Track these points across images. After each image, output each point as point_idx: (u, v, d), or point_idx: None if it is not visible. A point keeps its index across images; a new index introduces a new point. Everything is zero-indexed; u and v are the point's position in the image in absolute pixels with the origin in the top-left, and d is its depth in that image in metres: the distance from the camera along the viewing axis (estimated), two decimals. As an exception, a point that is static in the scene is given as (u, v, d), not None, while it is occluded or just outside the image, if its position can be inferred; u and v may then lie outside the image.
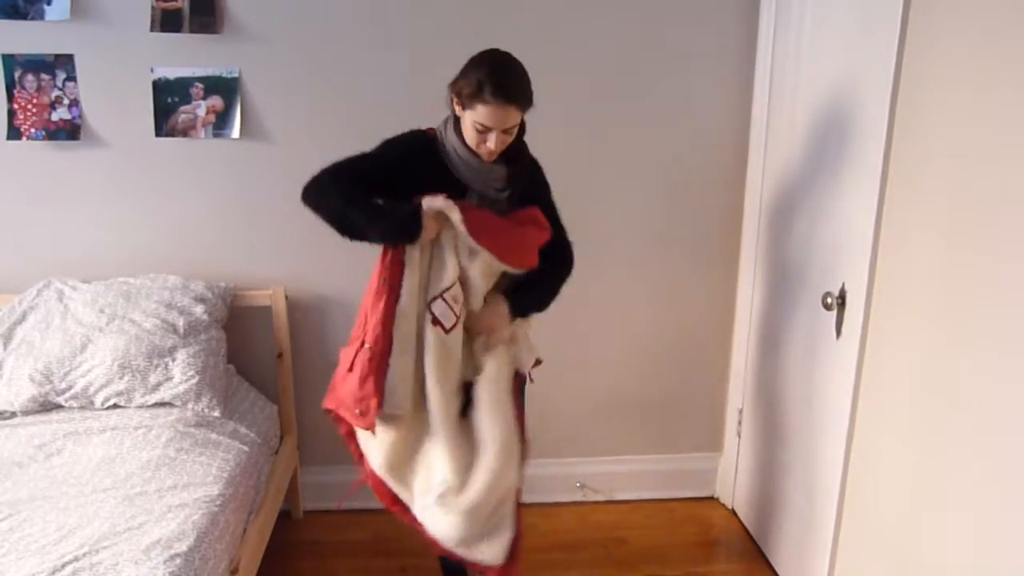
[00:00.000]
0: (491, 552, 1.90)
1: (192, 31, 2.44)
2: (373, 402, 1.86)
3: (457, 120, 1.84)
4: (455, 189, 1.84)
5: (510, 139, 1.81)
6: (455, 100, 1.81)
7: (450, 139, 1.85)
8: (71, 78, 2.47)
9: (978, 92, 1.59)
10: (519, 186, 1.90)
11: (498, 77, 1.72)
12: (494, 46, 1.81)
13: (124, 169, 2.56)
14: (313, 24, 2.50)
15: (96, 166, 2.55)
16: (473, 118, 1.75)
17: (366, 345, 1.85)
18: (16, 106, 2.48)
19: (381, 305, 1.83)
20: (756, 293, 2.72)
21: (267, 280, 2.68)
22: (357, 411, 1.90)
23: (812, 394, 2.29)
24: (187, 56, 2.48)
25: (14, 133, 2.49)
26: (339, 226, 1.80)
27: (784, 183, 2.50)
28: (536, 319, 2.03)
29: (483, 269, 1.85)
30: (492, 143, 1.76)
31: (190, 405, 2.34)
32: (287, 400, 2.73)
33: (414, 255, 1.81)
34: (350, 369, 1.88)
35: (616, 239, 2.76)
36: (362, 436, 1.98)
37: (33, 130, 2.50)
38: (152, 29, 2.43)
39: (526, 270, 1.90)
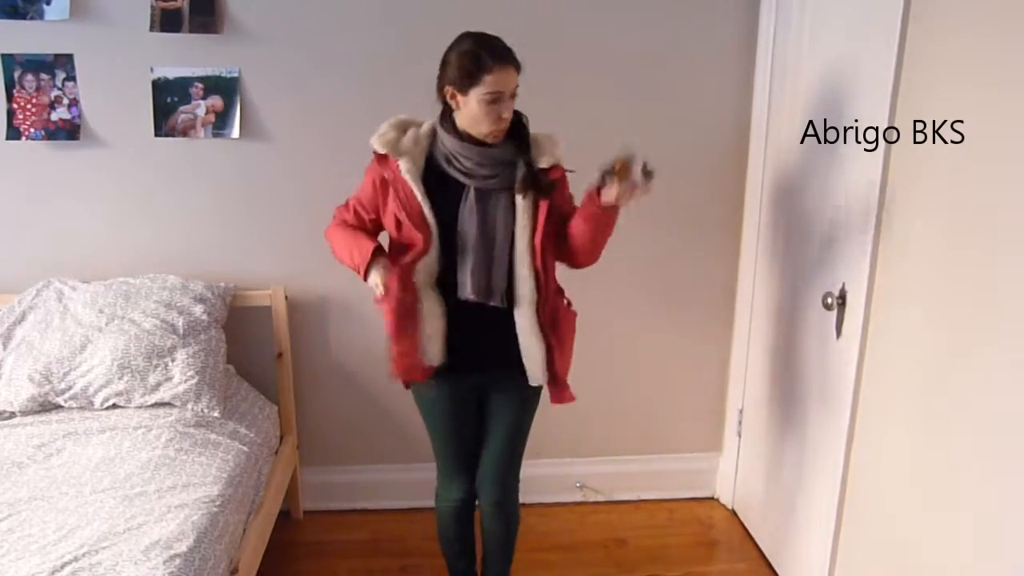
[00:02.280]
0: None
1: (192, 31, 2.44)
2: (413, 360, 1.92)
3: (444, 117, 1.85)
4: (453, 187, 1.86)
5: (513, 105, 1.82)
6: (451, 96, 1.81)
7: (445, 139, 1.85)
8: (70, 78, 2.47)
9: (979, 89, 1.58)
10: (526, 163, 1.87)
11: (489, 44, 1.77)
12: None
13: (124, 169, 2.56)
14: (313, 24, 2.50)
15: (96, 166, 2.55)
16: (482, 93, 1.75)
17: (393, 306, 1.91)
18: (15, 106, 2.48)
19: (398, 263, 1.90)
20: (756, 292, 2.72)
21: (267, 280, 2.68)
22: (400, 370, 1.95)
23: (812, 394, 2.29)
24: (187, 56, 2.47)
25: (13, 133, 2.49)
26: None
27: (784, 182, 2.49)
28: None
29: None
30: (507, 110, 1.78)
31: (190, 405, 2.33)
32: (287, 400, 2.73)
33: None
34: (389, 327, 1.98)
35: (615, 239, 2.74)
36: None
37: (32, 130, 2.50)
38: (152, 29, 2.43)
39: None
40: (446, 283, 1.90)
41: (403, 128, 1.92)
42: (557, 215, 1.91)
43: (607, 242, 1.93)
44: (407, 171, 1.85)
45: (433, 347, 1.91)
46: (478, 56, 1.75)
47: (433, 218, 1.85)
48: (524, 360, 1.94)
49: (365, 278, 1.89)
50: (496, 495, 2.12)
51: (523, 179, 1.85)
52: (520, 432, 2.10)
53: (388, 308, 1.90)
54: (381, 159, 1.89)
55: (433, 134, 1.89)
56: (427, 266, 1.88)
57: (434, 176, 1.87)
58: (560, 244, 1.94)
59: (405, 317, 1.89)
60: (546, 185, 1.86)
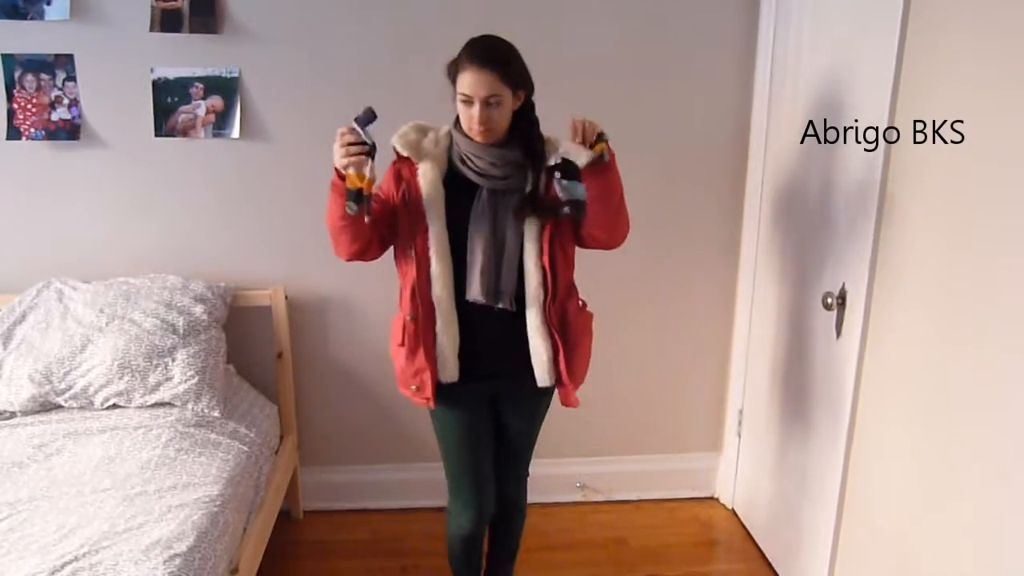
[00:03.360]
0: None
1: (192, 31, 2.44)
2: (427, 375, 1.88)
3: (458, 118, 1.85)
4: (467, 189, 1.85)
5: (499, 117, 1.77)
6: (454, 88, 1.82)
7: (459, 140, 1.85)
8: (71, 78, 2.47)
9: (979, 89, 1.59)
10: (537, 173, 1.84)
11: (475, 45, 1.76)
12: (495, 44, 1.81)
13: (124, 169, 2.56)
14: (313, 24, 2.50)
15: (96, 166, 2.55)
16: (457, 91, 1.77)
17: (407, 317, 1.88)
18: (16, 106, 2.48)
19: (412, 272, 1.86)
20: (756, 293, 2.72)
21: (267, 280, 2.68)
22: (413, 387, 1.92)
23: (812, 394, 2.29)
24: (187, 56, 2.48)
25: (14, 133, 2.49)
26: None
27: (784, 183, 2.50)
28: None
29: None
30: (476, 113, 1.74)
31: (190, 405, 2.34)
32: (287, 400, 2.73)
33: (437, 220, 1.83)
34: (401, 343, 1.92)
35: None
36: None
37: (33, 130, 2.50)
38: (152, 29, 2.43)
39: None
40: (458, 290, 1.87)
41: (423, 131, 1.91)
42: None
43: (624, 205, 1.86)
44: (423, 175, 1.84)
45: (450, 362, 1.88)
46: (461, 54, 1.76)
47: (439, 226, 1.83)
48: (532, 360, 1.92)
49: (339, 176, 1.75)
50: (513, 495, 2.18)
51: (522, 201, 1.82)
52: (531, 437, 2.13)
53: (405, 324, 1.88)
54: (401, 159, 1.88)
55: (450, 136, 1.89)
56: (442, 274, 1.84)
57: (451, 178, 1.87)
58: (580, 231, 1.88)
59: (420, 330, 1.87)
60: (545, 208, 1.81)
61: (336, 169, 1.75)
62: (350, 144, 1.70)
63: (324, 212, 2.59)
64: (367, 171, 1.69)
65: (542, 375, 1.92)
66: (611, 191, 1.81)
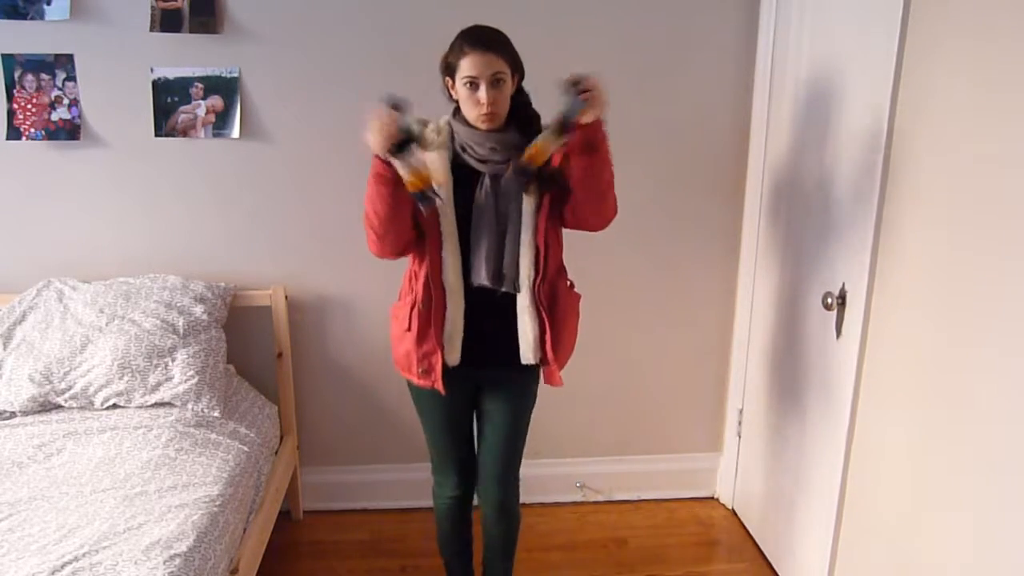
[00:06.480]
0: None
1: (192, 31, 2.44)
2: (436, 358, 1.91)
3: (457, 109, 1.86)
4: (470, 176, 1.86)
5: (503, 98, 1.80)
6: (448, 83, 1.84)
7: (459, 129, 1.86)
8: (71, 78, 2.47)
9: (978, 90, 1.59)
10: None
11: (473, 32, 1.80)
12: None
13: (124, 169, 2.56)
14: (313, 24, 2.50)
15: (96, 166, 2.55)
16: (460, 77, 1.78)
17: (419, 305, 1.90)
18: (16, 106, 2.48)
19: (426, 259, 1.88)
20: (756, 293, 2.72)
21: (267, 280, 2.68)
22: (420, 370, 1.94)
23: (812, 394, 2.29)
24: (187, 56, 2.48)
25: (14, 133, 2.49)
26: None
27: (784, 182, 2.50)
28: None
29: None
30: (483, 94, 1.76)
31: (190, 405, 2.34)
32: (287, 400, 2.73)
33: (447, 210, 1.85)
34: (407, 329, 1.93)
35: (615, 238, 2.74)
36: None
37: (33, 130, 2.50)
38: (152, 29, 2.43)
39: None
40: (466, 275, 1.90)
41: (423, 123, 1.91)
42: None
43: (611, 190, 1.87)
44: (432, 163, 1.84)
45: (454, 345, 1.91)
46: (458, 43, 1.79)
47: (451, 213, 1.85)
48: (519, 338, 1.93)
49: (383, 163, 1.74)
50: (498, 496, 2.11)
51: (527, 176, 1.81)
52: (518, 429, 2.08)
53: (413, 308, 1.90)
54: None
55: (450, 126, 1.90)
56: (453, 260, 1.87)
57: (453, 167, 1.88)
58: (568, 208, 1.89)
59: (432, 314, 1.89)
60: (548, 177, 1.83)
61: (378, 157, 1.74)
62: (391, 130, 1.69)
63: (324, 212, 2.63)
64: (415, 162, 1.71)
65: (527, 352, 1.93)
66: (599, 171, 1.83)
